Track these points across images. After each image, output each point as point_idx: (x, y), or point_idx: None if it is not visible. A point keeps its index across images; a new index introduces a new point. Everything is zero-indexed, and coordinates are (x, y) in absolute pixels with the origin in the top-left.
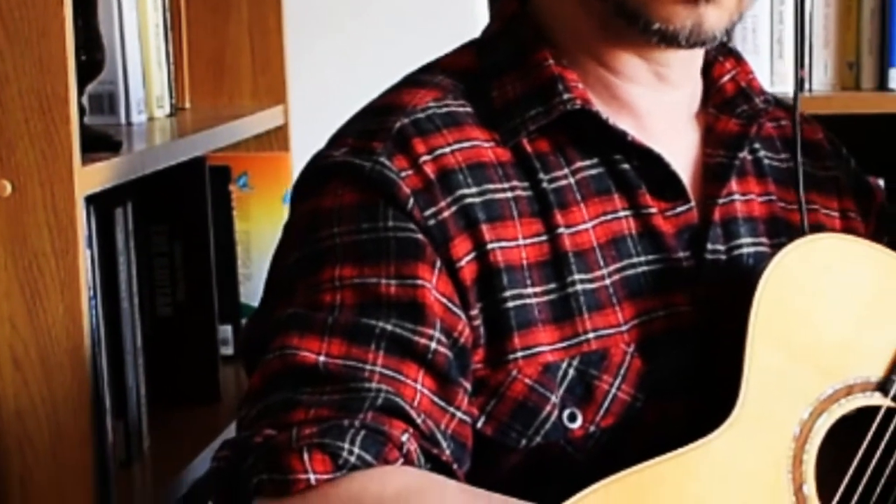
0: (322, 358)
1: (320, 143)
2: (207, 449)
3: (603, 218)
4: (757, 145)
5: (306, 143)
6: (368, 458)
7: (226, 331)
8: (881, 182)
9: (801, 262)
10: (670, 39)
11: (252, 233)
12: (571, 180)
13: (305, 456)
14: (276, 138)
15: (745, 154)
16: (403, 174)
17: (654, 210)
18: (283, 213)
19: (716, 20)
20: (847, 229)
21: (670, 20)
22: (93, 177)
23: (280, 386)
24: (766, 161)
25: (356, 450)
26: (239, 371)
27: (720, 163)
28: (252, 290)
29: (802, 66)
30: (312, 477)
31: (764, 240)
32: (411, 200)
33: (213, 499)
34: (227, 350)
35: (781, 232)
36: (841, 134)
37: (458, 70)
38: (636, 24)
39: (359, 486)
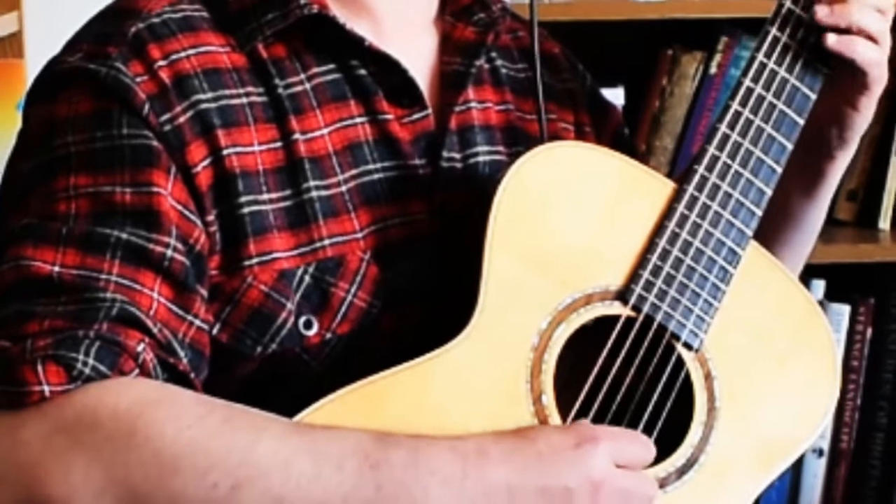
0: (56, 268)
1: (55, 50)
2: None
3: (339, 124)
4: (494, 54)
5: (41, 51)
6: (103, 368)
7: None
8: (621, 90)
9: (538, 171)
10: None
11: None
12: (307, 86)
13: (39, 367)
14: (11, 45)
15: (482, 62)
16: (139, 79)
17: (390, 116)
18: (17, 120)
19: None
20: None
21: None
22: None
23: (15, 297)
24: (504, 70)
25: (91, 360)
26: None
27: (457, 70)
28: None
29: None
30: (46, 388)
31: (501, 148)
32: (147, 106)
33: None
34: None
35: (519, 141)
36: (581, 41)
37: None
38: None
39: (94, 398)
